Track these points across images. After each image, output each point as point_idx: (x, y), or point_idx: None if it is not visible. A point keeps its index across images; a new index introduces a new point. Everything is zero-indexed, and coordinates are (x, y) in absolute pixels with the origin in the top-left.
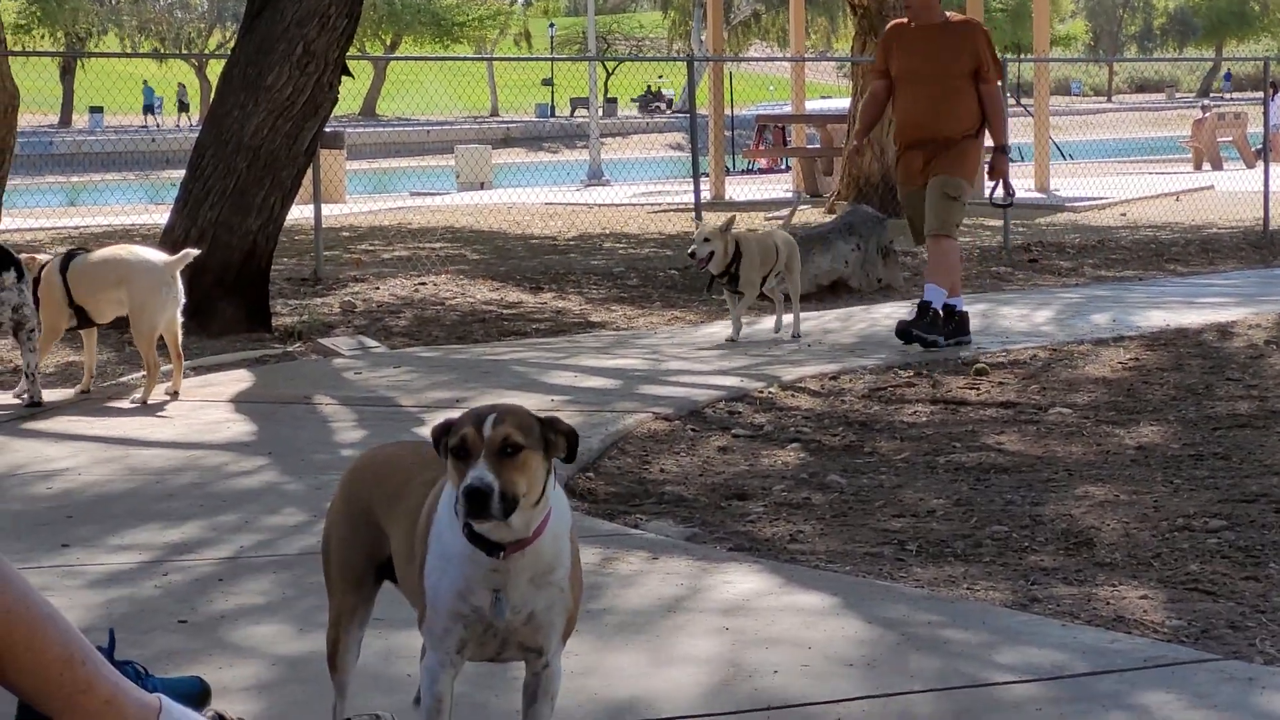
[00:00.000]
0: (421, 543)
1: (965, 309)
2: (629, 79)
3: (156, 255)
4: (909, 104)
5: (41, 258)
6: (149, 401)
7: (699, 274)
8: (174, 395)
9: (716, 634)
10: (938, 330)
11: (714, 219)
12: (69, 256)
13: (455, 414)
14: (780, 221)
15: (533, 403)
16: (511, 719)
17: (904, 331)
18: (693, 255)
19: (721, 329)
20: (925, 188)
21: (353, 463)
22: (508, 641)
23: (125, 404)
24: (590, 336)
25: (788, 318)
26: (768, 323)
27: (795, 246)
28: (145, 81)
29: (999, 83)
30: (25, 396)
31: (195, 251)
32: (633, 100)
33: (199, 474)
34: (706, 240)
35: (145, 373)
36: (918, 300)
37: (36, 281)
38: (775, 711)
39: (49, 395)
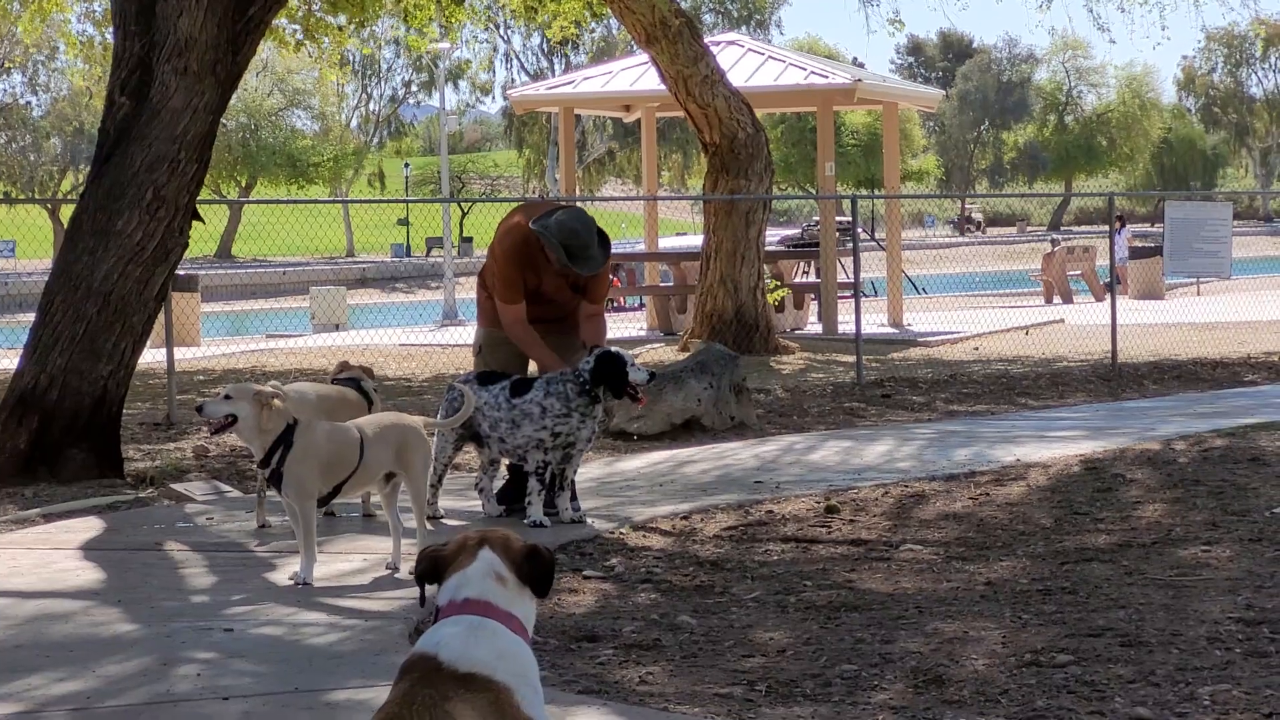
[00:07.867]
0: None
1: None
2: (484, 218)
3: None
4: None
5: None
6: None
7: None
8: None
9: None
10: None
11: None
12: None
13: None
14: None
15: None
16: None
17: None
18: (200, 411)
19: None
20: None
21: None
22: None
23: None
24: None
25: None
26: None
27: (417, 436)
28: None
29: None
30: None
31: None
32: None
33: (45, 624)
34: (228, 399)
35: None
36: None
37: None
38: None
39: None
